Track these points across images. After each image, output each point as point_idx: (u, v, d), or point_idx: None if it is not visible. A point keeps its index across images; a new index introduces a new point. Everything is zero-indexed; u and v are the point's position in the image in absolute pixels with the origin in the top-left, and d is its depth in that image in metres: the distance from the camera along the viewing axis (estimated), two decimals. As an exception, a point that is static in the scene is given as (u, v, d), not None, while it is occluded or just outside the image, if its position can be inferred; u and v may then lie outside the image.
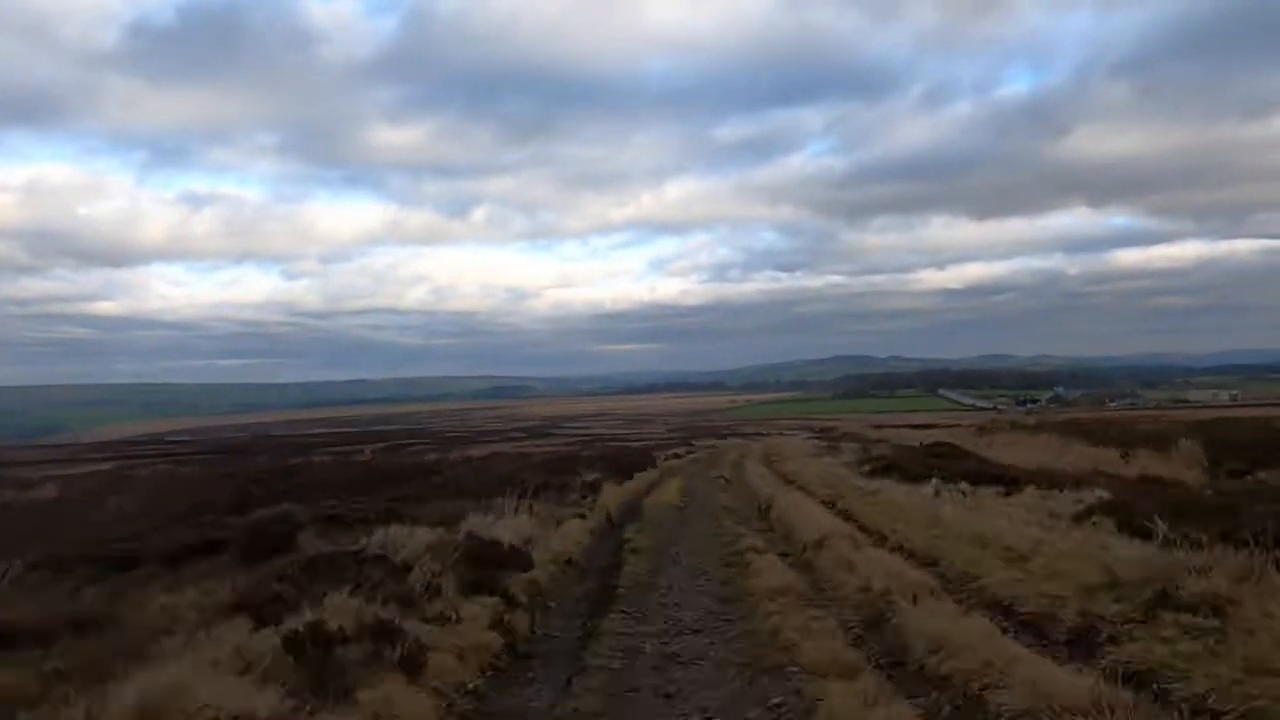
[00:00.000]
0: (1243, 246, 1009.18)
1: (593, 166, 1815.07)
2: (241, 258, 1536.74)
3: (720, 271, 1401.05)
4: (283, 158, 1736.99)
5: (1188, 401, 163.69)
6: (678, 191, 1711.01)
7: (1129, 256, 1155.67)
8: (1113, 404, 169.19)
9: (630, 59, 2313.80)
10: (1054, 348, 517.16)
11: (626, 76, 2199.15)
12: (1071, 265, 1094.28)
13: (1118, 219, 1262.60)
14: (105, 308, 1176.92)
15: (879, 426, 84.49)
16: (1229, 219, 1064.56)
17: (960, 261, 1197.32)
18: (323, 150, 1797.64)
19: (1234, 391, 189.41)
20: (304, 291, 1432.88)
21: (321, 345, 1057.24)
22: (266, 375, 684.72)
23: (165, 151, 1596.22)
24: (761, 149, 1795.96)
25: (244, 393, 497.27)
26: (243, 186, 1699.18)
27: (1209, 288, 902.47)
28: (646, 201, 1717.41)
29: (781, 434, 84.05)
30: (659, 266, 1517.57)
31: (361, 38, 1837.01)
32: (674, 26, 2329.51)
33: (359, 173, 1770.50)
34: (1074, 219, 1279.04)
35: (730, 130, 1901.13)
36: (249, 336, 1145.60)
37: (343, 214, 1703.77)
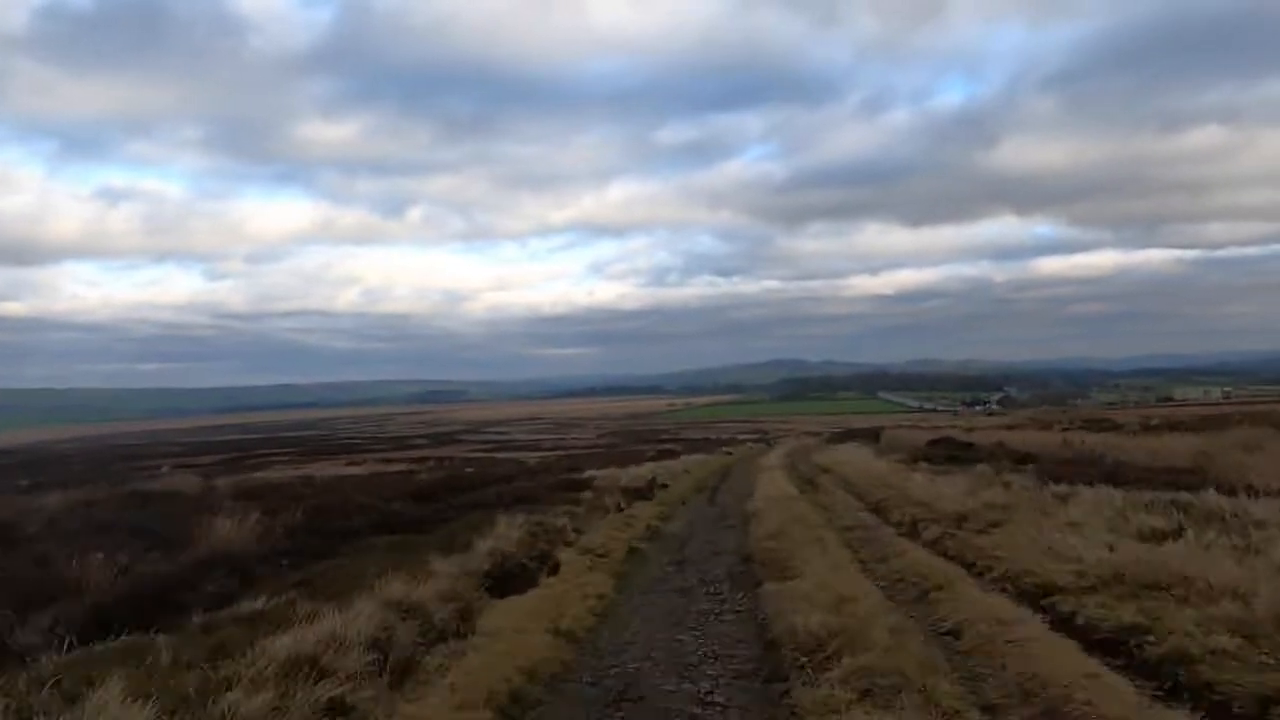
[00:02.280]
0: (1156, 256, 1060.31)
1: (532, 167, 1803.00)
2: (162, 256, 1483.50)
3: (659, 275, 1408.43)
4: (208, 152, 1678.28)
5: (1172, 399, 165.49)
6: (618, 194, 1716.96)
7: (1051, 264, 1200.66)
8: (1076, 403, 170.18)
9: (573, 59, 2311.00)
10: (981, 352, 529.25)
11: (569, 77, 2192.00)
12: (998, 272, 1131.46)
13: (1042, 228, 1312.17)
14: (11, 308, 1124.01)
15: (883, 428, 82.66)
16: (1144, 229, 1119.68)
17: (892, 268, 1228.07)
18: (251, 145, 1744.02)
19: (1227, 389, 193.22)
20: (229, 292, 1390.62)
21: (247, 348, 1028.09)
22: (187, 380, 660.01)
23: (80, 143, 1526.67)
24: (702, 153, 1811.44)
25: (161, 398, 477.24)
26: (165, 181, 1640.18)
27: (1125, 295, 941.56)
28: (587, 204, 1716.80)
29: (798, 437, 78.20)
30: (598, 270, 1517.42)
31: (295, 28, 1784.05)
32: (618, 28, 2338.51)
33: (290, 169, 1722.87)
34: (1002, 227, 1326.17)
35: (672, 133, 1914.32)
36: (169, 339, 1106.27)
37: (272, 212, 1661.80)
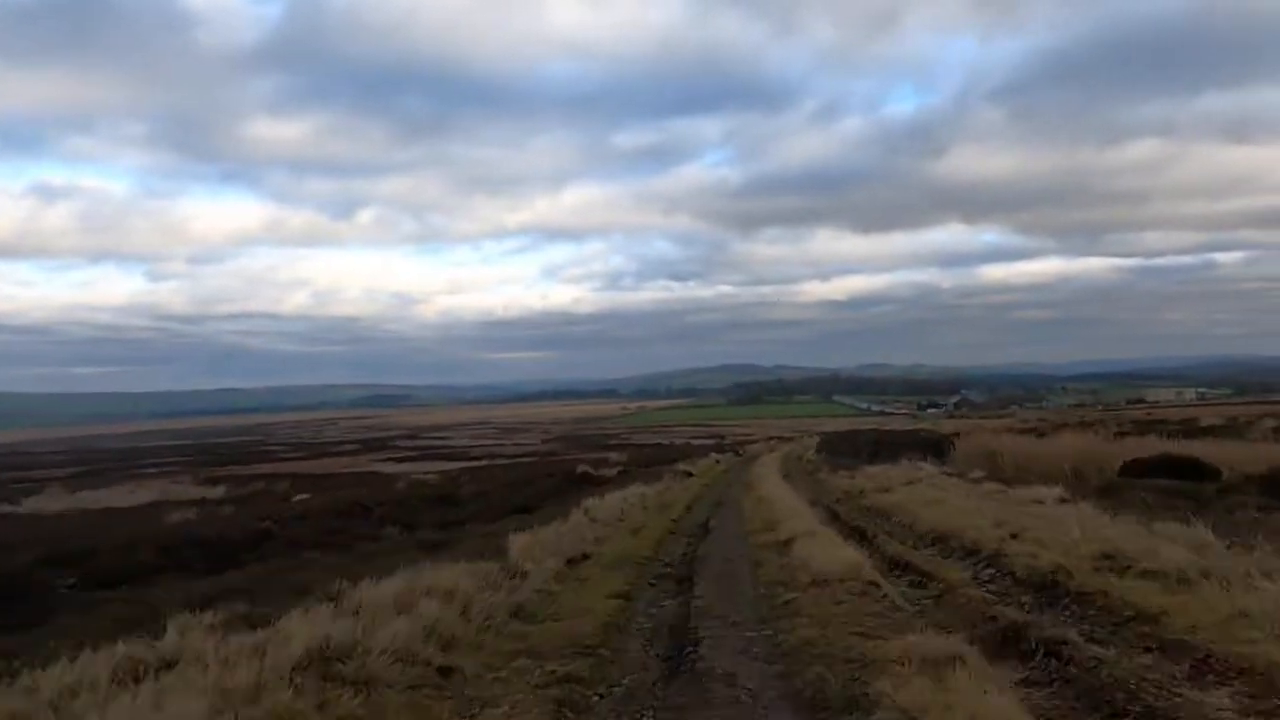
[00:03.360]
0: (1096, 264, 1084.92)
1: (488, 169, 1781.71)
2: (100, 256, 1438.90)
3: (614, 280, 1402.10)
4: (151, 149, 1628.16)
5: (1144, 401, 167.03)
6: (574, 198, 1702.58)
7: (996, 271, 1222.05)
8: (1030, 406, 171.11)
9: (531, 61, 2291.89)
10: (928, 357, 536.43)
11: (526, 78, 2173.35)
12: (945, 279, 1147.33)
13: (988, 235, 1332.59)
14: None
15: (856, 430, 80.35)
16: (1085, 238, 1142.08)
17: (844, 274, 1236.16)
18: (197, 142, 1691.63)
19: (1202, 389, 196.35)
20: (171, 294, 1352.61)
21: (190, 352, 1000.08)
22: (125, 384, 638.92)
23: (14, 138, 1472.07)
24: (659, 157, 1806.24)
25: (97, 403, 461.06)
26: (105, 179, 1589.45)
27: (1066, 302, 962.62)
28: (542, 207, 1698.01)
29: (770, 445, 67.66)
30: (552, 273, 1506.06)
31: (243, 23, 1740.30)
32: (577, 30, 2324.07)
33: (236, 168, 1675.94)
34: (949, 235, 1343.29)
35: (629, 137, 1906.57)
36: (107, 342, 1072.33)
37: (217, 211, 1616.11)
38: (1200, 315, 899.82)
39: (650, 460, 43.35)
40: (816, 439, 70.54)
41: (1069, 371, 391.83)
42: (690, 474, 31.26)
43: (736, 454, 53.81)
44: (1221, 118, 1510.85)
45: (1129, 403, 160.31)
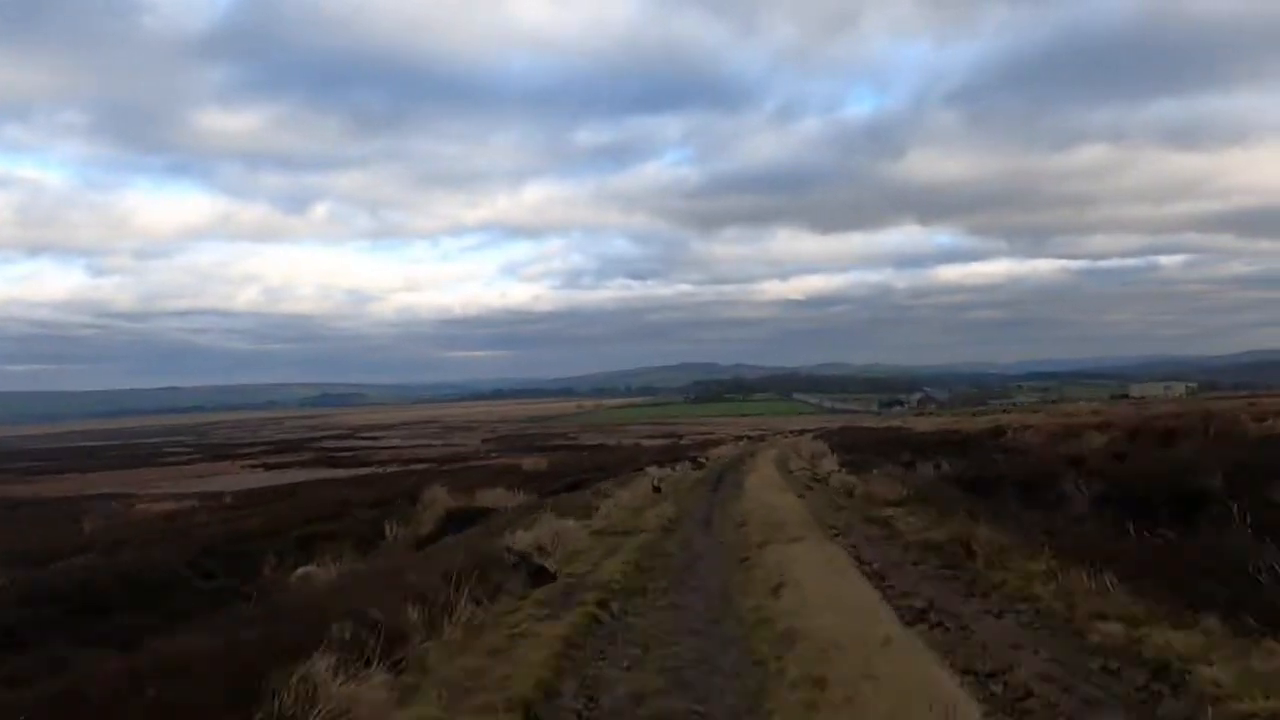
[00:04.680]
0: (1044, 265, 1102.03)
1: (446, 165, 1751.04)
2: (37, 250, 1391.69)
3: (573, 278, 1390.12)
4: (93, 139, 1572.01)
5: (1128, 396, 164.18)
6: (534, 195, 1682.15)
7: (950, 272, 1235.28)
8: (994, 403, 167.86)
9: (491, 55, 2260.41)
10: (884, 356, 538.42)
11: (486, 73, 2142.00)
12: (900, 279, 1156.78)
13: (942, 237, 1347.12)
14: None
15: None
16: (1034, 240, 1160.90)
17: (802, 273, 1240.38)
18: (142, 133, 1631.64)
19: (1191, 384, 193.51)
20: (115, 290, 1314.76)
21: (134, 349, 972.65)
22: (63, 383, 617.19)
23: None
24: (619, 155, 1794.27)
25: (32, 402, 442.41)
26: (43, 169, 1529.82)
27: (1015, 302, 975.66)
28: (501, 204, 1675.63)
29: (738, 445, 57.31)
30: (511, 271, 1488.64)
31: (192, 9, 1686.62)
32: (538, 25, 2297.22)
33: (185, 160, 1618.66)
34: (905, 236, 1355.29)
35: (590, 134, 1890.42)
36: (44, 339, 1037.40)
37: (163, 205, 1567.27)
38: (1143, 316, 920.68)
39: (581, 471, 32.31)
40: (810, 437, 61.13)
41: (1017, 371, 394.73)
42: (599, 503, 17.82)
43: (696, 465, 33.79)
44: (1168, 125, 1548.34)
45: (1113, 397, 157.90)
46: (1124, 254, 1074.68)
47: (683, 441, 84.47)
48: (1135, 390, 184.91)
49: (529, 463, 41.20)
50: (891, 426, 67.72)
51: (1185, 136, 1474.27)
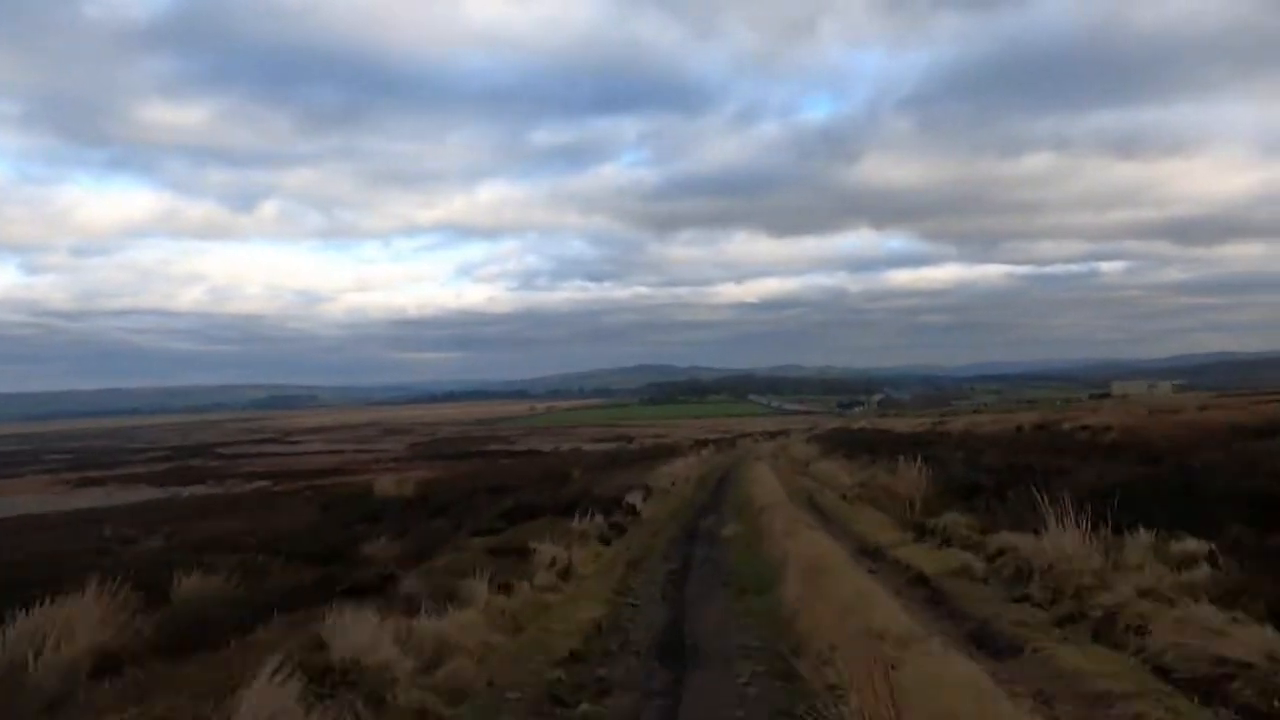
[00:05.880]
0: (992, 270, 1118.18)
1: (400, 163, 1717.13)
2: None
3: (529, 279, 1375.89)
4: (28, 130, 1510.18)
5: (1109, 393, 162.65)
6: (489, 195, 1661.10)
7: (901, 276, 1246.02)
8: (956, 404, 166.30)
9: (447, 53, 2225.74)
10: (836, 359, 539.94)
11: (442, 71, 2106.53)
12: (854, 283, 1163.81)
13: (894, 241, 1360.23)
14: None
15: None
16: (983, 245, 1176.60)
17: (757, 277, 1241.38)
18: (81, 125, 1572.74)
19: (1179, 381, 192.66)
20: (51, 288, 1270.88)
21: (72, 350, 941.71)
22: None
23: None
24: (576, 156, 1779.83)
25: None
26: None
27: (964, 307, 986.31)
28: (456, 204, 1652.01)
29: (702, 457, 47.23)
30: (466, 272, 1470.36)
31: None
32: (496, 23, 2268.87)
33: (126, 154, 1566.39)
34: (858, 240, 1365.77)
35: (547, 135, 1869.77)
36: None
37: (104, 200, 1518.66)
38: (1085, 321, 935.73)
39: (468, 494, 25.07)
40: (803, 438, 52.00)
41: (966, 373, 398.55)
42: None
43: (629, 514, 19.88)
44: (1110, 135, 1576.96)
45: (1091, 396, 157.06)
46: (1068, 260, 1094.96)
47: (631, 445, 79.62)
48: (1117, 389, 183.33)
49: (414, 476, 35.38)
50: (881, 428, 59.73)
51: (1126, 146, 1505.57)
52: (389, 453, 76.63)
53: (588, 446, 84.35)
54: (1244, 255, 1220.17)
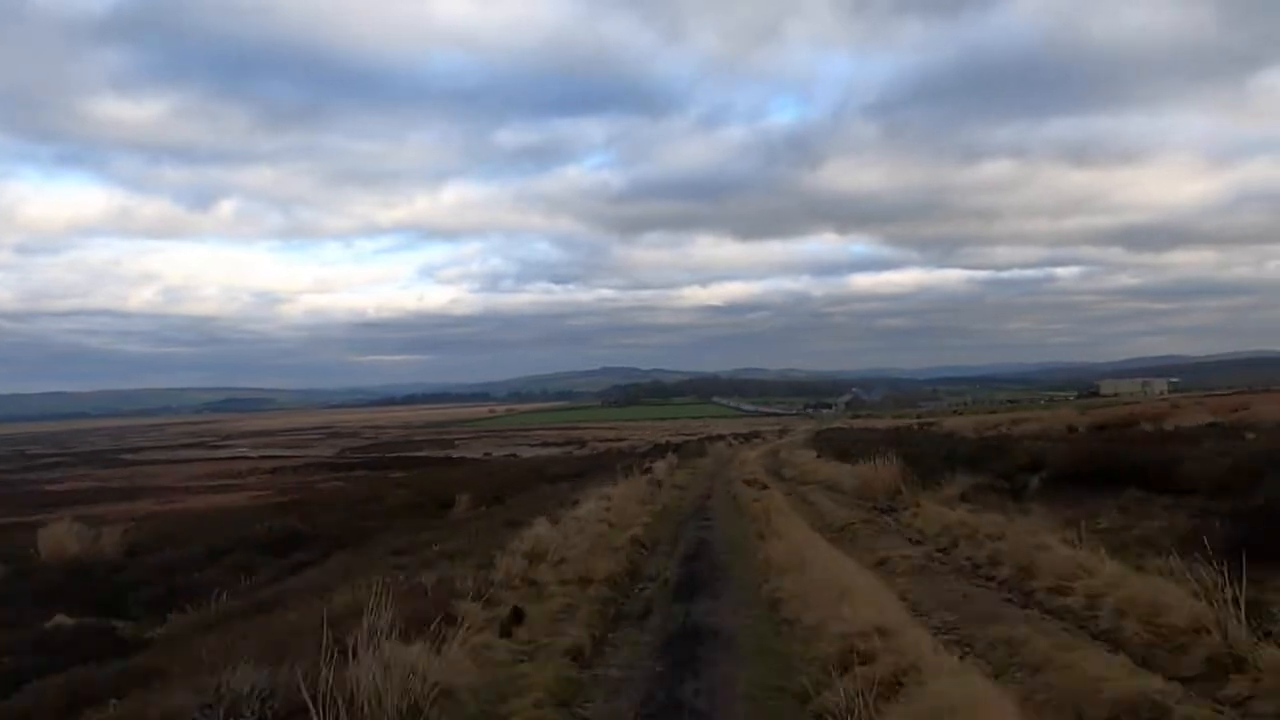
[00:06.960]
0: (952, 275, 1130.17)
1: (362, 163, 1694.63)
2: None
3: (493, 281, 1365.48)
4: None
5: (1099, 393, 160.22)
6: (453, 196, 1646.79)
7: (863, 281, 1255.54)
8: (924, 405, 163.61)
9: (411, 51, 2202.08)
10: (800, 362, 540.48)
11: (405, 69, 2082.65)
12: (817, 287, 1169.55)
13: (857, 246, 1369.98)
14: None
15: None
16: (943, 250, 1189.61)
17: (722, 280, 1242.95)
18: (28, 120, 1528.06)
19: (1174, 379, 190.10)
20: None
21: (16, 351, 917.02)
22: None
23: None
24: (541, 158, 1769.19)
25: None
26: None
27: (925, 311, 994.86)
28: (419, 204, 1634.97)
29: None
30: (429, 274, 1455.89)
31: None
32: (462, 21, 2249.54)
33: (77, 150, 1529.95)
34: (822, 244, 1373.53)
35: (512, 135, 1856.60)
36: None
37: (52, 197, 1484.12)
38: (1040, 325, 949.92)
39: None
40: (800, 441, 45.88)
41: (926, 376, 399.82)
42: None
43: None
44: (1065, 143, 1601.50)
45: (1079, 396, 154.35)
46: (1025, 265, 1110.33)
47: (582, 450, 74.64)
48: (1107, 388, 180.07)
49: (233, 503, 29.57)
50: (878, 428, 55.55)
51: (1081, 155, 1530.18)
52: (304, 457, 70.99)
53: (529, 452, 79.33)
54: (1192, 261, 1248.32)
